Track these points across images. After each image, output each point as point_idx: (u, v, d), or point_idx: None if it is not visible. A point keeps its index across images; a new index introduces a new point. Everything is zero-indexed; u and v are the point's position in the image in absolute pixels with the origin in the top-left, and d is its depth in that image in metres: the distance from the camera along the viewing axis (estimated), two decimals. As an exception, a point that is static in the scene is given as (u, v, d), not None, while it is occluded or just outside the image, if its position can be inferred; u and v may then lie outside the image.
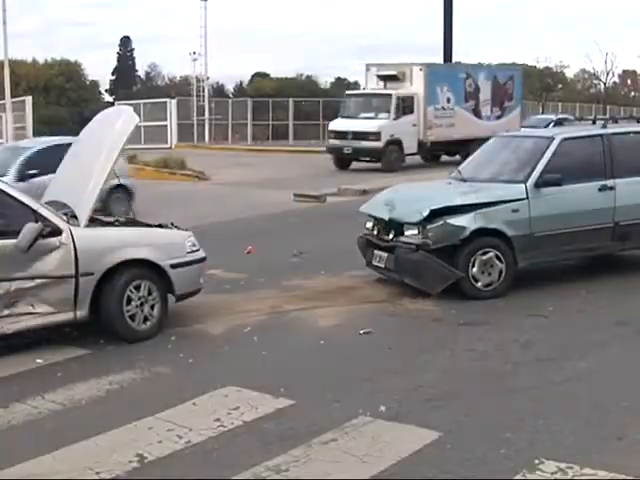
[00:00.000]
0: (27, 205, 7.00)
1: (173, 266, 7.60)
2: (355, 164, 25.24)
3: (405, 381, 6.08)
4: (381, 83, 26.20)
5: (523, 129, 33.61)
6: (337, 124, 25.98)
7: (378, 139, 24.33)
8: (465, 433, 5.08)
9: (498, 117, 28.18)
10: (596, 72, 66.00)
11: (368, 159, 24.92)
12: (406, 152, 25.06)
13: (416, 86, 25.54)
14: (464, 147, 25.83)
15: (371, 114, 25.16)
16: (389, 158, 24.34)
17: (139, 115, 8.73)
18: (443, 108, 26.07)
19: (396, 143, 24.64)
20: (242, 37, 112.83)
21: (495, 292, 8.64)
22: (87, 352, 7.10)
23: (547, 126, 31.18)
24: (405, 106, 25.08)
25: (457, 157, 26.06)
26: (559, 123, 32.44)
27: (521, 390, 5.85)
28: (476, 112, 27.34)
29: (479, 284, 8.60)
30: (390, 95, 24.95)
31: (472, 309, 8.23)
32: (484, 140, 27.43)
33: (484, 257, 8.60)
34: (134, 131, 7.84)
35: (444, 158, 27.02)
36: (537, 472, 4.53)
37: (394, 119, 24.72)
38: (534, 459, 4.67)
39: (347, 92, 27.72)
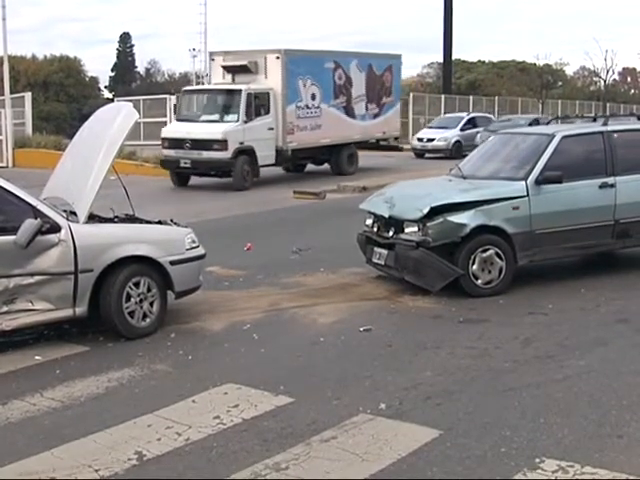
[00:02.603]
0: (26, 201, 6.97)
1: (172, 263, 7.59)
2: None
3: (405, 379, 6.07)
4: (229, 76, 20.71)
5: (426, 129, 31.15)
6: (171, 130, 20.54)
7: (224, 148, 18.94)
8: (465, 431, 5.06)
9: (375, 116, 23.57)
10: (596, 69, 65.95)
11: (213, 173, 19.77)
12: (261, 164, 19.82)
13: (272, 79, 20.14)
14: (334, 154, 22.23)
15: (215, 116, 19.85)
16: (240, 172, 19.19)
17: (139, 111, 8.72)
18: (307, 107, 20.95)
19: (248, 153, 19.38)
20: (241, 34, 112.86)
21: (495, 289, 8.63)
22: (86, 349, 7.08)
23: (458, 124, 30.07)
24: (259, 105, 19.72)
25: (326, 166, 22.57)
26: (471, 121, 31.46)
27: (521, 388, 5.83)
28: (348, 110, 22.43)
29: (479, 281, 8.59)
30: (239, 91, 19.53)
31: (472, 306, 8.21)
32: (359, 144, 23.27)
33: (484, 254, 8.59)
34: (134, 127, 7.82)
35: (310, 167, 23.02)
36: (538, 471, 4.51)
37: (245, 122, 19.35)
38: (534, 457, 4.65)
39: (184, 88, 22.02)
